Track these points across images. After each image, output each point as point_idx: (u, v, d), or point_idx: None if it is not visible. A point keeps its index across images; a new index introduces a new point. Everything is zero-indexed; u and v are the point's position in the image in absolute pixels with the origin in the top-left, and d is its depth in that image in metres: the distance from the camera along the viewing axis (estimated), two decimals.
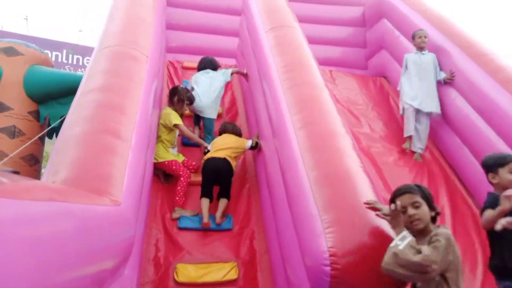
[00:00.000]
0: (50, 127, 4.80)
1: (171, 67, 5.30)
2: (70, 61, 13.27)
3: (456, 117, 4.09)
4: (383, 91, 5.29)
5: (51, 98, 4.94)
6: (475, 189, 3.76)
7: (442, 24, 4.59)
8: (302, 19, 6.12)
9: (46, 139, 5.26)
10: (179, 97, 3.89)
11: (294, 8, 5.66)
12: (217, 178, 3.49)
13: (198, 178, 3.59)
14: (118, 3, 3.83)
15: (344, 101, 4.94)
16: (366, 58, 6.08)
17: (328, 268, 2.05)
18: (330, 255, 2.07)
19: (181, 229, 3.26)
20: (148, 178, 2.77)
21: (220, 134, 3.85)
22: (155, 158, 3.55)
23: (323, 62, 5.91)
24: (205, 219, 3.26)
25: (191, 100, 4.06)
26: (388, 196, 3.76)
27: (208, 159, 3.56)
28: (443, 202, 3.72)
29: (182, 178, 3.55)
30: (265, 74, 3.70)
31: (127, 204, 2.06)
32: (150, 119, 2.97)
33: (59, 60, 13.08)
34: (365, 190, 2.38)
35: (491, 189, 2.40)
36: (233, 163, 3.59)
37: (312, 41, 6.01)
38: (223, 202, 3.43)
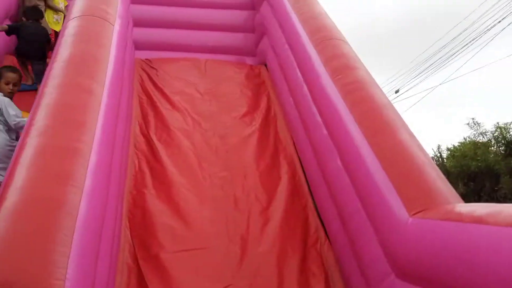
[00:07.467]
0: None
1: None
2: None
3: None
4: (259, 79, 4.91)
5: None
6: None
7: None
8: (191, 4, 5.75)
9: None
10: None
11: None
12: None
13: None
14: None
15: (206, 92, 4.56)
16: (255, 44, 5.67)
17: None
18: None
19: None
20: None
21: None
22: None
23: (212, 50, 5.56)
24: None
25: None
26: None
27: None
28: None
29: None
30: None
31: None
32: None
33: None
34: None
35: None
36: None
37: (201, 27, 5.68)
38: None
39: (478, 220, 1.82)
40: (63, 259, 1.56)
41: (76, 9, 3.38)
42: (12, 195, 1.76)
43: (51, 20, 5.58)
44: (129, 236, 3.03)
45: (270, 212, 3.34)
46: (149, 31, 5.38)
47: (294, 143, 4.01)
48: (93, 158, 2.11)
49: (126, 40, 4.02)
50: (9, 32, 4.93)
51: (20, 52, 4.97)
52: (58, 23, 5.65)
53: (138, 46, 5.24)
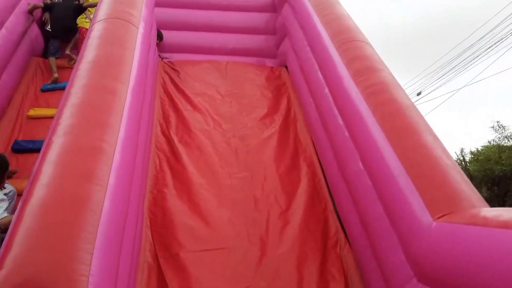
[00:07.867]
0: None
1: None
2: None
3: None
4: (279, 81, 4.91)
5: None
6: None
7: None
8: (213, 6, 5.80)
9: None
10: None
11: None
12: None
13: None
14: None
15: (227, 94, 4.58)
16: (276, 46, 5.68)
17: None
18: None
19: None
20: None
21: None
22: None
23: (233, 52, 5.60)
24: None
25: None
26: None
27: None
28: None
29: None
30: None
31: None
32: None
33: None
34: None
35: None
36: None
37: (222, 29, 5.72)
38: None
39: (504, 225, 1.77)
40: (87, 256, 1.60)
41: (102, 12, 3.45)
42: (39, 192, 1.81)
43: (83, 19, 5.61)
44: (150, 235, 3.07)
45: (290, 214, 3.33)
46: (172, 34, 5.46)
47: (314, 145, 4.00)
48: (116, 157, 2.15)
49: (150, 42, 4.08)
50: (44, 9, 5.33)
51: (54, 32, 5.30)
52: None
53: (161, 48, 5.32)
